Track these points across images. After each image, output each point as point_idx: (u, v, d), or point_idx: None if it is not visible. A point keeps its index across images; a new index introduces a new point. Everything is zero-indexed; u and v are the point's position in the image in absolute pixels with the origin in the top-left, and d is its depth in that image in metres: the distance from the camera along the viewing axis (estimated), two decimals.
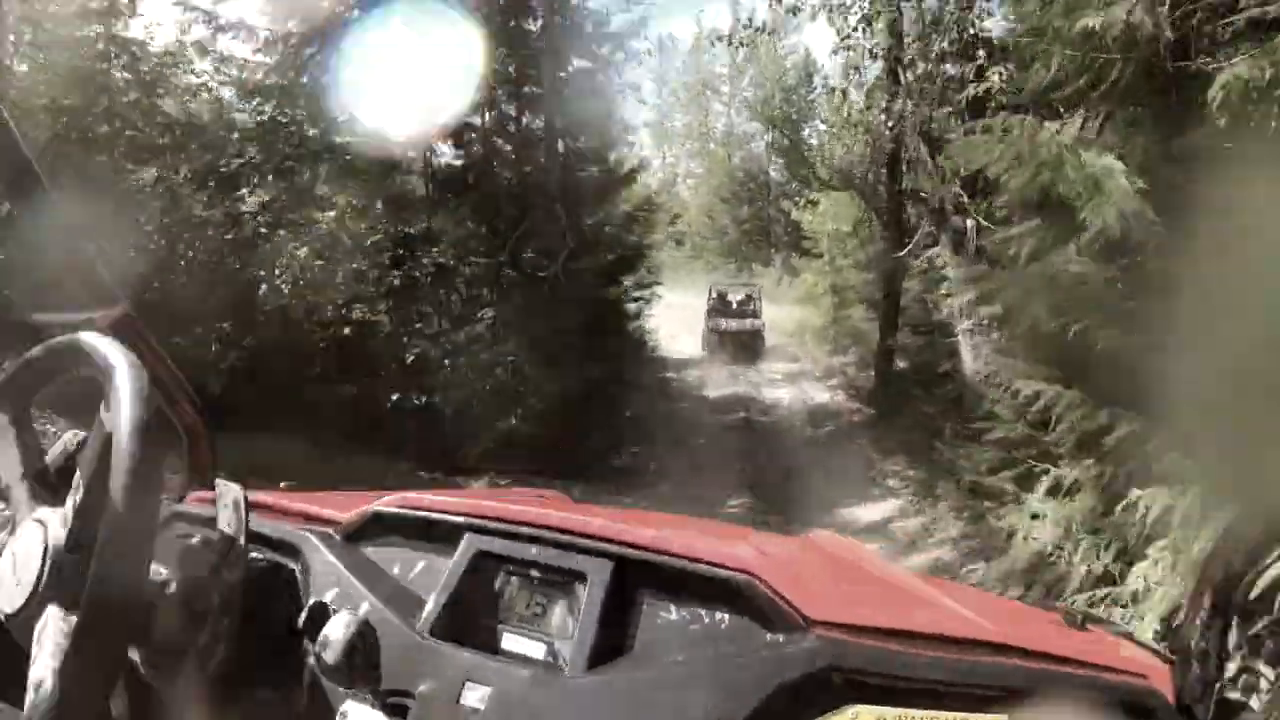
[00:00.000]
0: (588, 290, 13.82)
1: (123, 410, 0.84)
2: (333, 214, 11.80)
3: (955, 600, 1.24)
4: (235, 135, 11.46)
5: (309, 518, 1.36)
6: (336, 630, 1.03)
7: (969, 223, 8.75)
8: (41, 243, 1.21)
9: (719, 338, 22.16)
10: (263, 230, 10.85)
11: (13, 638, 0.88)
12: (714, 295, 23.59)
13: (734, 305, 23.54)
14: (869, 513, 10.07)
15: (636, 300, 20.07)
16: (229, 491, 1.12)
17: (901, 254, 12.34)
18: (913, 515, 9.50)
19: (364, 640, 1.03)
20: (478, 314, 12.25)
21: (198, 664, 1.02)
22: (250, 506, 1.12)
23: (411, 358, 11.25)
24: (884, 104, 10.88)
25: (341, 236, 11.46)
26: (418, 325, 11.95)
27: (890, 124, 10.86)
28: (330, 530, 1.32)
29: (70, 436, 1.13)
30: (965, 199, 8.88)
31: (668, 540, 1.14)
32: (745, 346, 21.78)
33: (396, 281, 12.00)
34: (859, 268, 18.51)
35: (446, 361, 11.43)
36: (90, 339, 0.96)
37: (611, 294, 15.76)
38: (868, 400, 15.71)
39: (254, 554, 1.17)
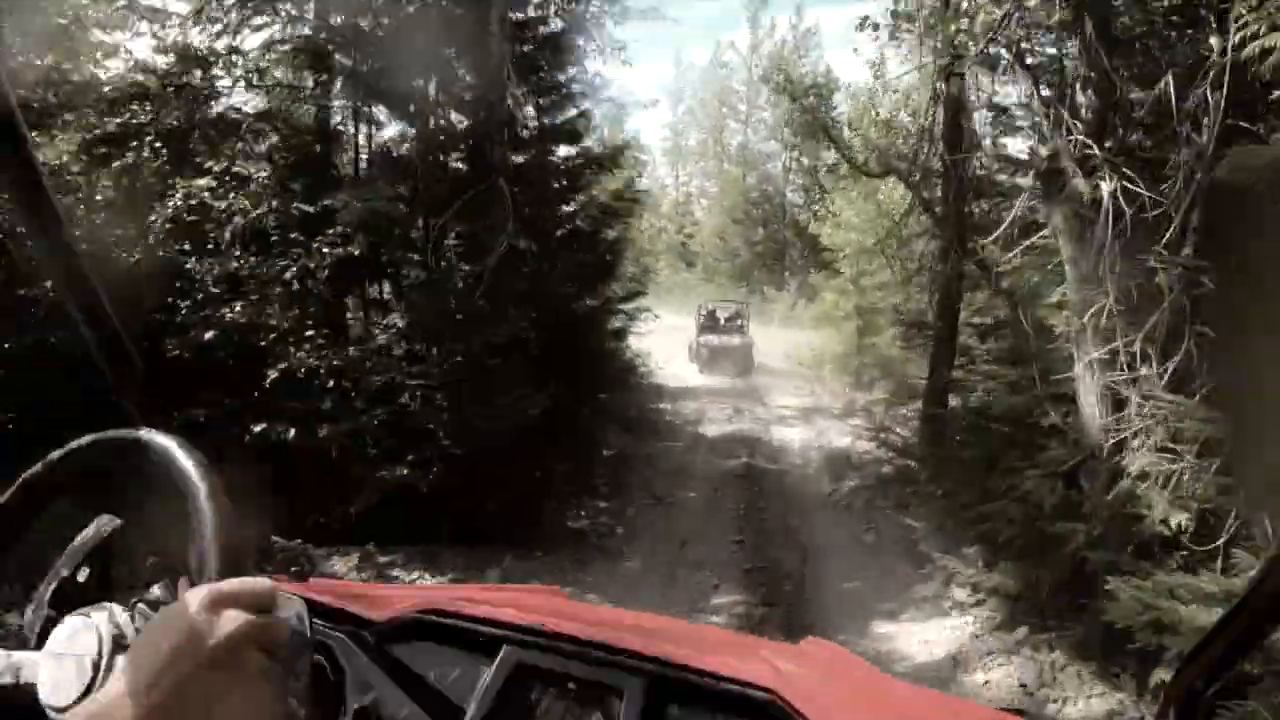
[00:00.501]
0: (552, 299, 10.66)
1: (206, 519, 0.84)
2: (203, 181, 8.73)
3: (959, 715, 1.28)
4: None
5: (340, 615, 1.26)
6: None
7: (1106, 186, 5.34)
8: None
9: (709, 353, 21.90)
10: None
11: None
12: (704, 312, 23.76)
13: (722, 321, 23.63)
14: (925, 635, 6.61)
15: (620, 315, 17.00)
16: (290, 604, 0.83)
17: (963, 256, 8.94)
18: (1001, 654, 5.97)
19: None
20: (384, 320, 8.94)
21: None
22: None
23: (275, 375, 7.89)
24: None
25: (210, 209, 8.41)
26: (308, 334, 8.60)
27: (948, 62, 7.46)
28: (364, 632, 1.23)
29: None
30: (1098, 150, 5.49)
31: (696, 656, 1.15)
32: (735, 362, 21.43)
33: (287, 275, 8.74)
34: (897, 282, 15.04)
35: (331, 383, 8.09)
36: (158, 439, 0.92)
37: (585, 306, 12.50)
38: (904, 451, 12.24)
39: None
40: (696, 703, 1.10)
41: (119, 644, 0.86)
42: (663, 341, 23.62)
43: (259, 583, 0.77)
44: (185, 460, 0.87)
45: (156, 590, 0.95)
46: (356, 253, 8.83)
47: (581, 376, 13.40)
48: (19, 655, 0.90)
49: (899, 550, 8.88)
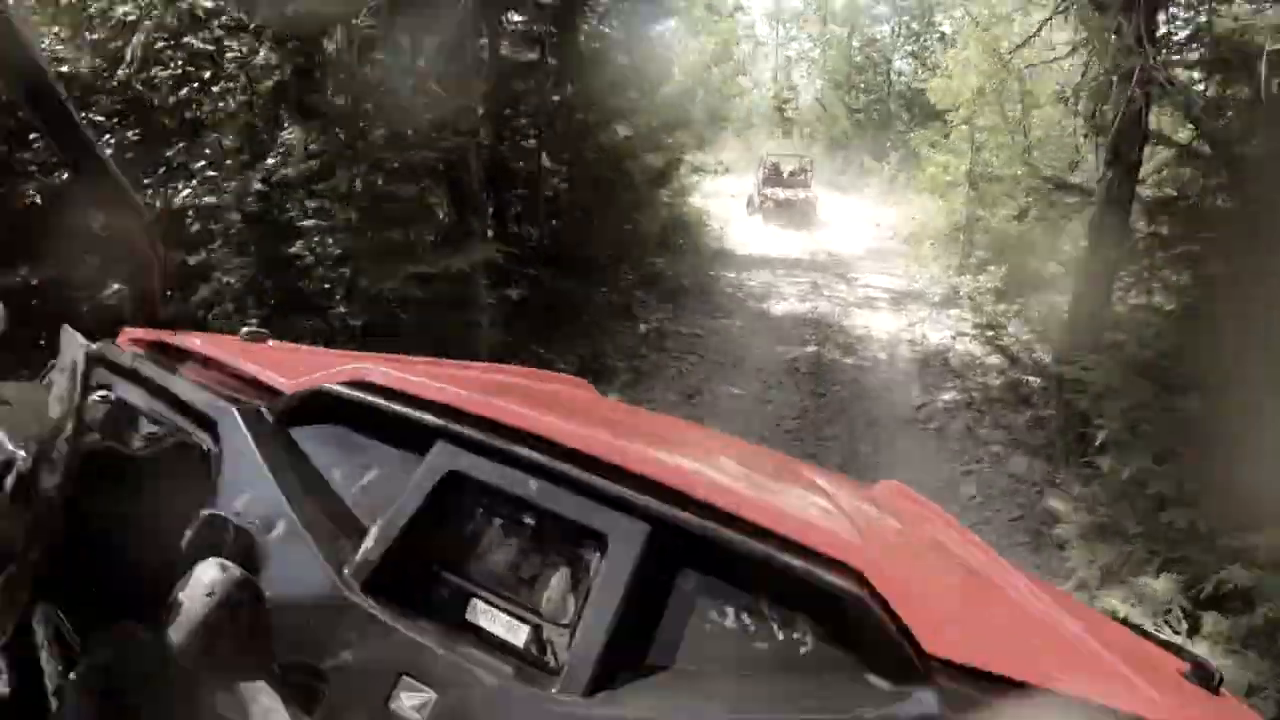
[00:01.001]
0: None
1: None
2: None
3: (1077, 622, 0.85)
4: None
5: (247, 383, 1.04)
6: (196, 591, 0.69)
7: None
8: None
9: (774, 205, 20.69)
10: None
11: None
12: (767, 164, 22.61)
13: (786, 175, 22.59)
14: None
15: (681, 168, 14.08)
16: (70, 345, 0.76)
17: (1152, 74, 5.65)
18: None
19: (237, 616, 0.68)
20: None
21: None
22: (175, 355, 0.94)
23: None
24: None
25: None
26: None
27: None
28: (263, 406, 0.97)
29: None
30: None
31: (739, 498, 0.75)
32: (799, 213, 20.39)
33: None
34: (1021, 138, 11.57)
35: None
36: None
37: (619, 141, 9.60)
38: (1027, 365, 9.13)
39: (156, 427, 0.91)
40: (729, 574, 0.70)
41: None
42: (738, 206, 20.72)
43: None
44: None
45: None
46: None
47: (613, 232, 10.69)
48: None
49: (1014, 516, 5.95)
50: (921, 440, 7.54)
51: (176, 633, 0.67)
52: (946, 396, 8.68)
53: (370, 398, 0.91)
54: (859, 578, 0.69)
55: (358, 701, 0.72)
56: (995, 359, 9.88)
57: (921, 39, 38.39)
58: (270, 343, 1.33)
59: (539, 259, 9.31)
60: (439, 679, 0.70)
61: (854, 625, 0.69)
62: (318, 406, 0.95)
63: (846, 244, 18.35)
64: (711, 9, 20.52)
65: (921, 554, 0.99)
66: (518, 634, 0.75)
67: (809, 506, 0.87)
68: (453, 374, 1.19)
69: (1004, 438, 7.45)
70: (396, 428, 0.90)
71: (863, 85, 40.36)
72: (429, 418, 0.87)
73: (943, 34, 32.71)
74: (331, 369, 0.99)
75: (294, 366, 1.06)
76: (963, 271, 13.15)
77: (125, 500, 0.82)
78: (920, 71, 34.02)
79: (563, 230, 10.38)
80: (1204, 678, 0.91)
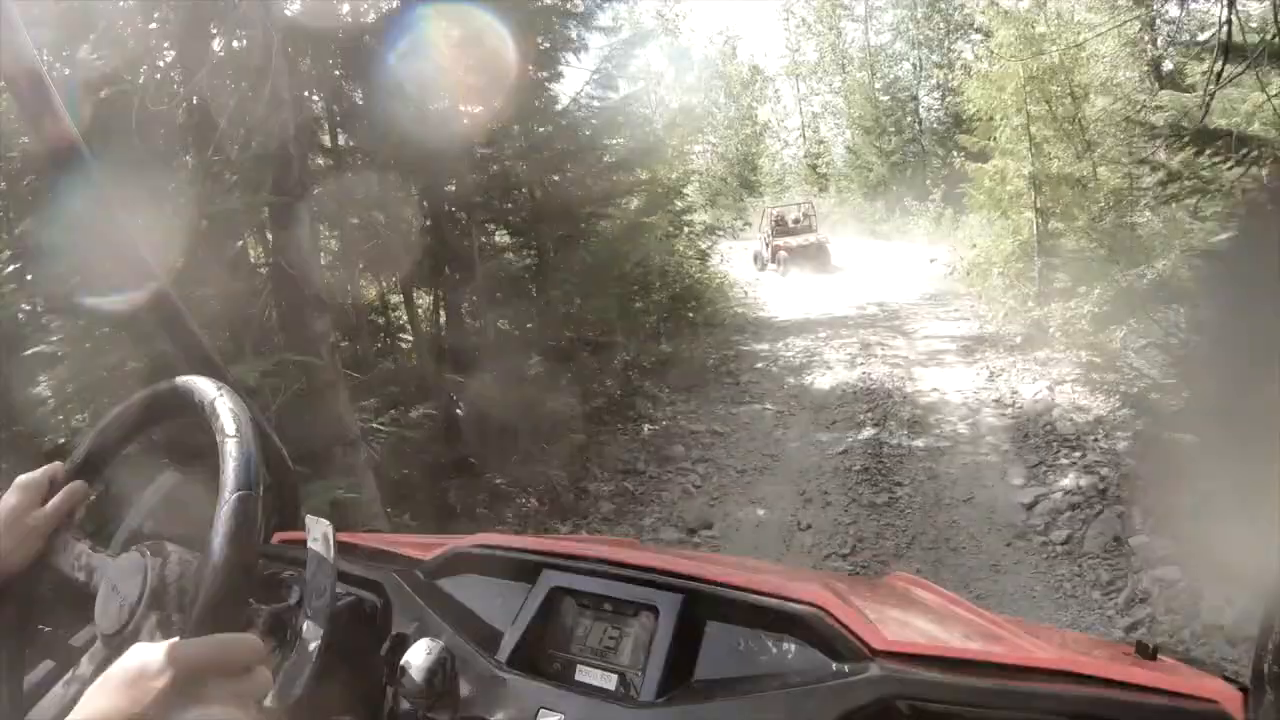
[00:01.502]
0: None
1: (231, 473, 0.88)
2: None
3: (1029, 634, 1.16)
4: None
5: (394, 558, 1.34)
6: (418, 656, 1.04)
7: None
8: (86, 221, 1.20)
9: (787, 254, 21.01)
10: None
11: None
12: (773, 216, 23.53)
13: (791, 223, 23.34)
14: None
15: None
16: (318, 525, 1.04)
17: None
18: None
19: (443, 666, 1.05)
20: None
21: (283, 690, 0.93)
22: (338, 544, 1.07)
23: None
24: None
25: None
26: None
27: None
28: (414, 570, 1.29)
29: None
30: None
31: (735, 575, 1.14)
32: (813, 256, 20.75)
33: None
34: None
35: None
36: (200, 385, 1.00)
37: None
38: (1174, 418, 6.37)
39: (340, 589, 1.12)
40: (736, 619, 1.06)
41: (157, 596, 0.91)
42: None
43: (238, 642, 0.75)
44: (230, 416, 0.93)
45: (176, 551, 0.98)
46: None
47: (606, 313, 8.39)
48: (98, 559, 0.99)
49: None
50: (1047, 569, 4.80)
51: (410, 679, 1.02)
52: (1065, 481, 5.93)
53: (493, 551, 1.24)
54: (821, 609, 0.99)
55: None
56: (1116, 407, 7.11)
57: (944, 71, 36.64)
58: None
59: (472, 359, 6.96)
60: (564, 707, 1.00)
61: (819, 636, 0.98)
62: (452, 564, 1.25)
63: (897, 292, 15.64)
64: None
65: (886, 600, 1.39)
66: (610, 681, 1.05)
67: (792, 580, 1.14)
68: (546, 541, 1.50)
69: (1172, 547, 4.69)
70: (512, 569, 1.21)
71: (893, 128, 38.24)
72: (535, 556, 1.20)
73: (966, 64, 30.73)
74: (438, 543, 1.34)
75: (413, 545, 1.37)
76: (1044, 300, 10.34)
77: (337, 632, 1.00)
78: (949, 99, 31.79)
79: (526, 317, 8.02)
80: (1143, 650, 1.06)
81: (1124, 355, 8.03)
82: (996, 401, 8.10)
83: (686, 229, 12.72)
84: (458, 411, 7.42)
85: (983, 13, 15.02)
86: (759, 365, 10.92)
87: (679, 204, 12.76)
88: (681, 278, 11.77)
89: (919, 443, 7.26)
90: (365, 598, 1.19)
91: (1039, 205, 10.71)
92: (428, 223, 7.04)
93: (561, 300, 7.96)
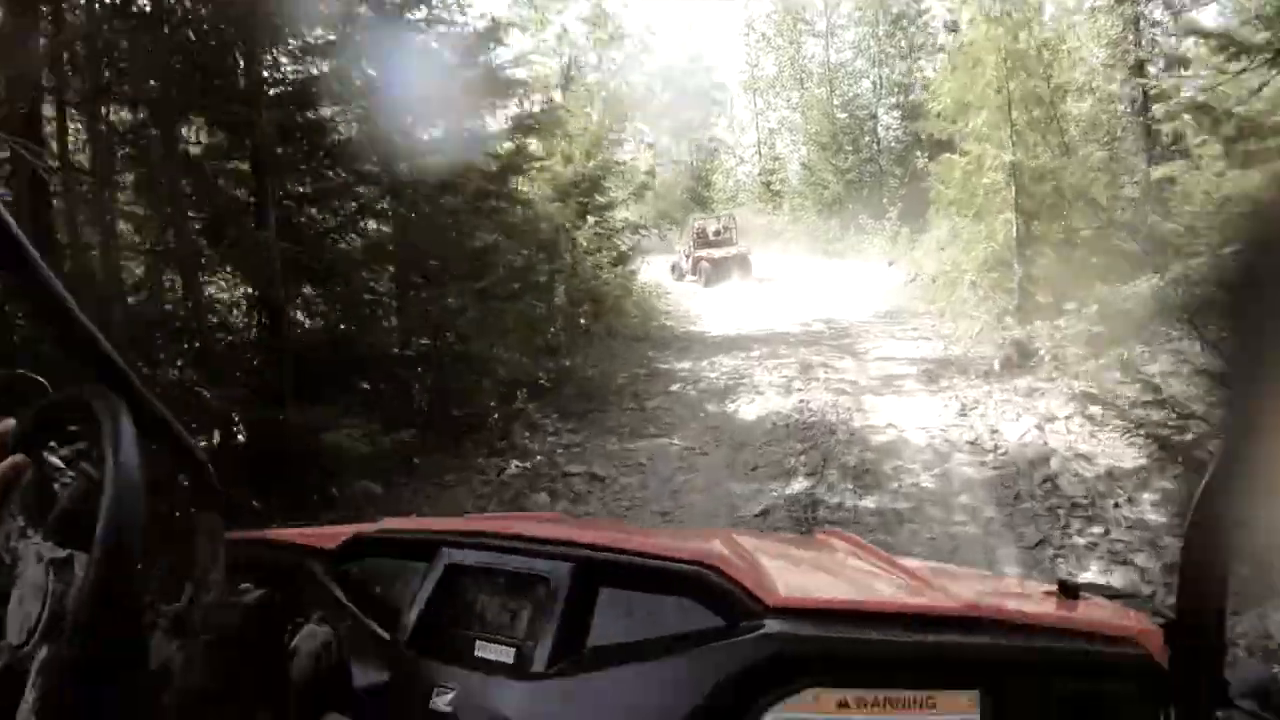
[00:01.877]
0: None
1: (112, 460, 0.79)
2: None
3: (949, 582, 1.14)
4: None
5: (302, 549, 1.32)
6: (305, 641, 1.02)
7: None
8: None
9: (710, 265, 21.32)
10: None
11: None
12: (695, 229, 23.77)
13: (712, 235, 23.54)
14: None
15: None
16: (205, 520, 1.01)
17: None
18: None
19: (328, 649, 1.03)
20: None
21: (181, 686, 0.92)
22: (239, 540, 1.10)
23: None
24: None
25: None
26: None
27: None
28: (320, 559, 1.27)
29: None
30: None
31: (627, 540, 1.15)
32: (735, 267, 21.07)
33: None
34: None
35: None
36: (87, 391, 0.90)
37: None
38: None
39: (246, 584, 1.08)
40: (628, 584, 1.04)
41: (53, 623, 0.79)
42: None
43: None
44: (107, 409, 0.84)
45: None
46: None
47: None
48: (26, 547, 0.86)
49: None
50: None
51: (297, 667, 0.99)
52: (1091, 573, 3.87)
53: (393, 534, 1.25)
54: (712, 567, 0.96)
55: (407, 711, 1.00)
56: (1139, 453, 5.11)
57: (905, 91, 35.61)
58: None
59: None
60: (459, 684, 0.99)
61: (710, 596, 0.95)
62: (356, 550, 1.23)
63: (848, 308, 13.65)
64: None
65: (802, 557, 1.40)
66: (507, 655, 1.02)
67: (690, 541, 1.19)
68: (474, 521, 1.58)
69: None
70: (413, 551, 1.18)
71: (850, 146, 37.32)
72: (434, 536, 1.18)
73: (927, 83, 29.40)
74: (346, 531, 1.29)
75: (320, 536, 1.32)
76: (1026, 316, 8.32)
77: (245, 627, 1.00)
78: (908, 123, 30.57)
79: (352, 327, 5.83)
80: (1066, 589, 1.07)
81: (1137, 383, 6.03)
82: (972, 444, 6.03)
83: (597, 222, 10.65)
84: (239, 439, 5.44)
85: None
86: (674, 388, 8.79)
87: (600, 198, 11.03)
88: (585, 279, 9.63)
89: (868, 502, 5.15)
90: (272, 590, 1.09)
91: (1019, 204, 8.72)
92: None
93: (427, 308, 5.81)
